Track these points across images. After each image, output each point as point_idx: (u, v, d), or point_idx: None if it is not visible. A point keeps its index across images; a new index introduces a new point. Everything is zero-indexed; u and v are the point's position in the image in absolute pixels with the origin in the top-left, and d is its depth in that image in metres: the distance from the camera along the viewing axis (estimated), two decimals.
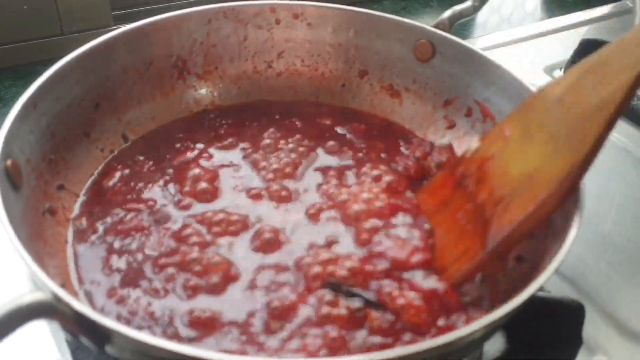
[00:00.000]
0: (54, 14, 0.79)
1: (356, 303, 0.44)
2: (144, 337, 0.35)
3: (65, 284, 0.47)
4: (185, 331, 0.43)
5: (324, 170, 0.57)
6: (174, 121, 0.63)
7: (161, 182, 0.55)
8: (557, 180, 0.39)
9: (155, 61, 0.63)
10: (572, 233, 0.42)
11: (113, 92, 0.60)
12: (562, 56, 0.86)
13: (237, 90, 0.67)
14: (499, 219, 0.42)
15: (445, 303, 0.44)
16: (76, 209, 0.53)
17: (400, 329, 0.43)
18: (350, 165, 0.58)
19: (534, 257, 0.47)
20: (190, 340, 0.42)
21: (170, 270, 0.47)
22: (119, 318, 0.44)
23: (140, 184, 0.55)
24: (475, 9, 0.62)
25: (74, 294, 0.46)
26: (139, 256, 0.48)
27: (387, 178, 0.55)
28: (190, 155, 0.58)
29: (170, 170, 0.56)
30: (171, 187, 0.55)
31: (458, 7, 0.63)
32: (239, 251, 0.49)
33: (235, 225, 0.50)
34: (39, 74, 0.52)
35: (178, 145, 0.60)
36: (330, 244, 0.49)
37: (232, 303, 0.45)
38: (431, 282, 0.45)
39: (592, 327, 0.54)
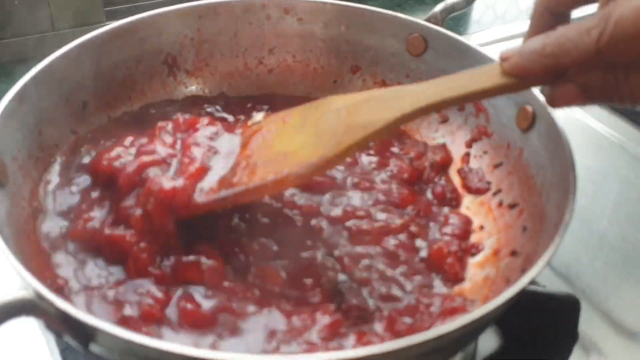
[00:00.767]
0: (45, 9, 0.79)
1: None
2: (129, 335, 0.34)
3: (53, 282, 0.46)
4: None
5: None
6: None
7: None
8: (303, 164, 0.45)
9: (145, 58, 0.62)
10: (564, 227, 0.42)
11: (102, 90, 0.59)
12: None
13: (227, 87, 0.66)
14: (243, 176, 0.47)
15: None
16: (63, 205, 0.53)
17: None
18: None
19: (527, 251, 0.47)
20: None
21: None
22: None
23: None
24: (468, 2, 0.61)
25: (62, 292, 0.46)
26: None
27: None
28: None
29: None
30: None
31: (450, 1, 0.62)
32: None
33: None
34: (28, 70, 0.52)
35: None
36: None
37: None
38: None
39: (588, 325, 0.54)
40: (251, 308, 0.44)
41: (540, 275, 0.39)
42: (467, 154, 0.60)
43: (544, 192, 0.49)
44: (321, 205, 0.52)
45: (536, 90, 0.53)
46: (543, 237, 0.45)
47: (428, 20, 0.62)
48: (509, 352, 0.51)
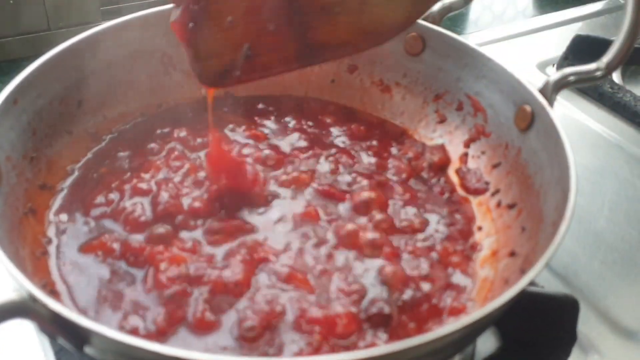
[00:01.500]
0: (40, 8, 0.78)
1: None
2: (124, 337, 0.34)
3: (47, 284, 0.45)
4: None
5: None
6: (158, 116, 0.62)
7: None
8: (382, 26, 0.42)
9: (140, 57, 0.62)
10: (563, 228, 0.41)
11: (97, 90, 0.59)
12: (554, 52, 0.86)
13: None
14: (320, 33, 0.42)
15: None
16: (57, 203, 0.52)
17: None
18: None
19: (526, 252, 0.47)
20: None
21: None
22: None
23: (120, 178, 0.54)
24: (466, 1, 0.61)
25: (56, 293, 0.45)
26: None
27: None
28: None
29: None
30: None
31: (447, 0, 0.62)
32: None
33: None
34: (24, 70, 0.51)
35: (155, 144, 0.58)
36: None
37: None
38: None
39: (586, 325, 0.53)
40: None
41: (539, 275, 0.39)
42: (465, 154, 0.59)
43: (543, 192, 0.49)
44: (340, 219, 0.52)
45: (535, 91, 0.52)
46: (542, 238, 0.45)
47: (426, 19, 0.62)
48: (508, 353, 0.50)
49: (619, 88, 0.78)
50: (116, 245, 0.48)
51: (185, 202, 0.51)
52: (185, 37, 0.43)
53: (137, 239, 0.49)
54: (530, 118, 0.53)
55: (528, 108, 0.53)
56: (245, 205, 0.52)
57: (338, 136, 0.61)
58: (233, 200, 0.51)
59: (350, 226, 0.50)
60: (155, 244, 0.48)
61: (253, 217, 0.51)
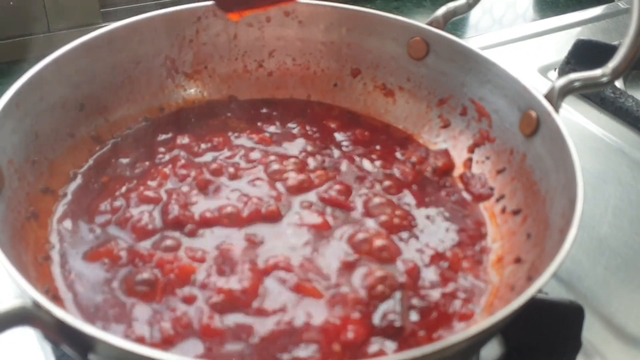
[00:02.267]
0: (40, 10, 0.78)
1: None
2: (129, 345, 0.33)
3: (49, 290, 0.45)
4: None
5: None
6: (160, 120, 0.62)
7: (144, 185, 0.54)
8: None
9: (143, 60, 0.61)
10: (572, 235, 0.41)
11: (99, 92, 0.59)
12: (555, 57, 0.86)
13: (227, 90, 0.65)
14: None
15: None
16: (60, 211, 0.52)
17: None
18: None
19: (532, 259, 0.46)
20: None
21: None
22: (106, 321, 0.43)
23: (125, 185, 0.54)
24: (470, 6, 0.61)
25: (60, 300, 0.45)
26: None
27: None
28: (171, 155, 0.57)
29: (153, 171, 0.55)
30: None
31: (452, 4, 0.62)
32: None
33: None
34: (24, 72, 0.51)
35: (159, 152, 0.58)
36: None
37: None
38: None
39: (590, 331, 0.53)
40: None
41: (548, 283, 0.39)
42: (470, 160, 0.59)
43: (549, 198, 0.49)
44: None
45: (541, 96, 0.52)
46: (548, 245, 0.44)
47: (430, 24, 0.62)
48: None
49: (621, 93, 0.78)
50: (123, 253, 0.47)
51: (196, 211, 0.51)
52: None
53: (145, 246, 0.48)
54: (535, 124, 0.52)
55: (533, 114, 0.53)
56: None
57: (342, 141, 0.61)
58: None
59: (361, 235, 0.50)
60: (164, 252, 0.47)
61: (263, 226, 0.51)
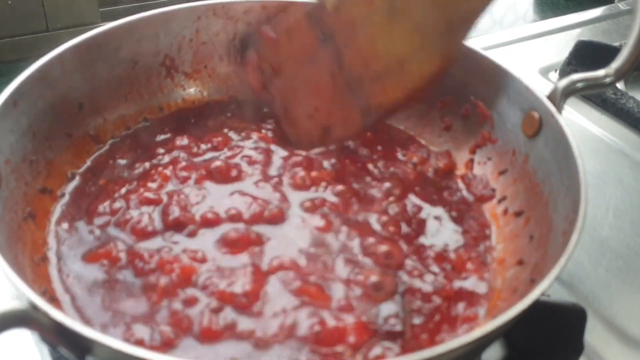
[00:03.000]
0: (39, 9, 0.78)
1: None
2: (127, 347, 0.33)
3: (47, 291, 0.45)
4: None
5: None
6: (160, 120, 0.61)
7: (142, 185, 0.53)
8: (425, 76, 0.45)
9: (142, 59, 0.61)
10: (575, 238, 0.41)
11: (98, 91, 0.58)
12: (556, 58, 0.86)
13: (226, 90, 0.65)
14: (376, 97, 0.48)
15: None
16: (58, 212, 0.51)
17: None
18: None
19: (535, 261, 0.46)
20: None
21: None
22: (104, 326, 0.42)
23: (125, 186, 0.53)
24: None
25: (57, 302, 0.44)
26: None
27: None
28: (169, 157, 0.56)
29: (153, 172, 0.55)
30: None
31: None
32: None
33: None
34: (22, 71, 0.51)
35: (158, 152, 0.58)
36: None
37: None
38: None
39: (591, 334, 0.53)
40: None
41: (552, 286, 0.38)
42: (471, 160, 0.59)
43: (551, 200, 0.49)
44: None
45: (544, 97, 0.52)
46: (551, 247, 0.44)
47: None
48: None
49: (622, 94, 0.78)
50: (122, 255, 0.47)
51: (197, 212, 0.50)
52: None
53: (145, 247, 0.48)
54: (538, 125, 0.52)
55: (536, 115, 0.52)
56: None
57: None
58: None
59: (364, 239, 0.50)
60: (165, 254, 0.47)
61: (266, 227, 0.50)
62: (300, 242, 0.49)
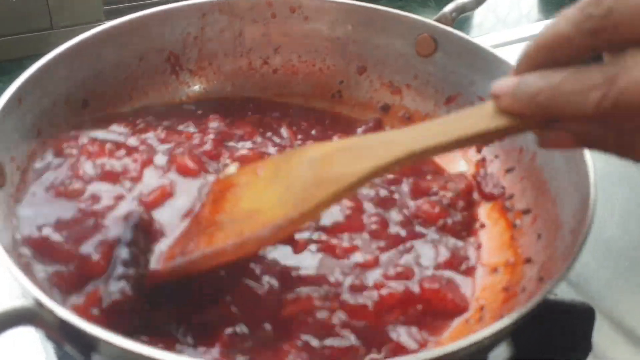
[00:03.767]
0: (43, 7, 0.78)
1: None
2: (133, 345, 0.33)
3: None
4: None
5: None
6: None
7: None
8: (266, 225, 0.40)
9: (146, 56, 0.61)
10: (583, 236, 0.40)
11: (103, 89, 0.58)
12: None
13: (231, 87, 0.65)
14: (202, 239, 0.43)
15: None
16: None
17: None
18: None
19: (543, 259, 0.46)
20: None
21: None
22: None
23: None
24: (479, 2, 0.60)
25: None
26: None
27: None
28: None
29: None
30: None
31: (460, 1, 0.61)
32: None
33: None
34: (26, 69, 0.50)
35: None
36: None
37: None
38: None
39: (598, 333, 0.52)
40: None
41: (560, 284, 0.38)
42: (484, 159, 0.58)
43: (559, 198, 0.48)
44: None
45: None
46: (560, 245, 0.44)
47: (438, 20, 0.61)
48: None
49: None
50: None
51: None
52: None
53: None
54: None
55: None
56: None
57: None
58: None
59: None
60: None
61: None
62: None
